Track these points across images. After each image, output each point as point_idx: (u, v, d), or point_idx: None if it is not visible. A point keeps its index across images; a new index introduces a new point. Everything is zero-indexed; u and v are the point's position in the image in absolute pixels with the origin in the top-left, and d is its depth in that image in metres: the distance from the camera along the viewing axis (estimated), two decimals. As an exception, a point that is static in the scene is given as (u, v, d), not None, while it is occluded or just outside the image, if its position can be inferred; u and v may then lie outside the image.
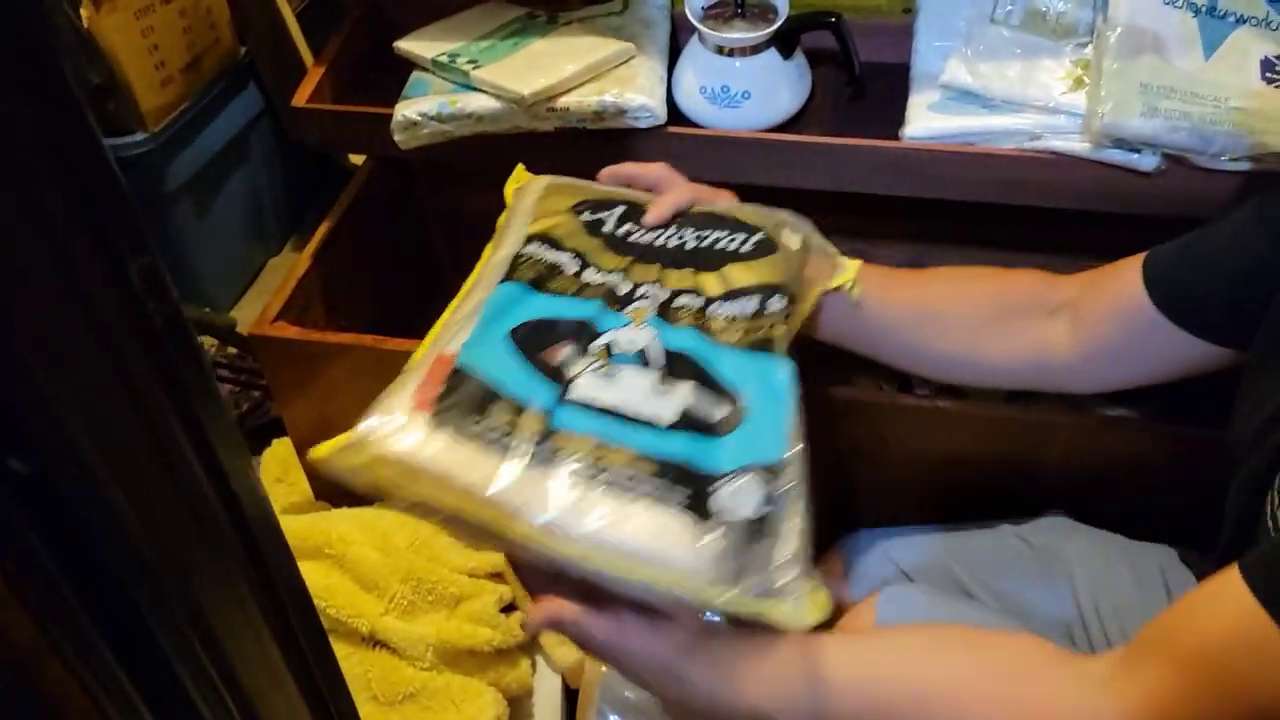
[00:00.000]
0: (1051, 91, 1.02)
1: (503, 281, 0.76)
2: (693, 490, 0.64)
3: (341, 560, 1.20)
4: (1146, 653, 0.60)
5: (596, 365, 0.70)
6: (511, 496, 0.63)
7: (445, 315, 0.77)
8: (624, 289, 0.77)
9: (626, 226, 0.83)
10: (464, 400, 0.68)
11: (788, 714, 0.62)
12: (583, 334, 0.73)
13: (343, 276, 1.37)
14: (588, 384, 0.69)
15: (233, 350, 1.60)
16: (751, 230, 0.83)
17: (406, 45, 1.20)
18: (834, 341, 0.89)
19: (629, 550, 0.61)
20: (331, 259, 1.33)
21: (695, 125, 1.15)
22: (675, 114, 1.15)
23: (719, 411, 0.69)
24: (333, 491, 1.36)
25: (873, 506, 1.21)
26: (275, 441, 1.48)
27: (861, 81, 1.17)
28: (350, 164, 1.84)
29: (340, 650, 1.18)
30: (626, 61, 1.14)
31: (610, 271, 0.79)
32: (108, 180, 0.41)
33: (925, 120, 1.07)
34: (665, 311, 0.76)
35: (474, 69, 1.12)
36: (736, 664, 0.63)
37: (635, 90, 1.09)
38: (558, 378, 0.70)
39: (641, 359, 0.71)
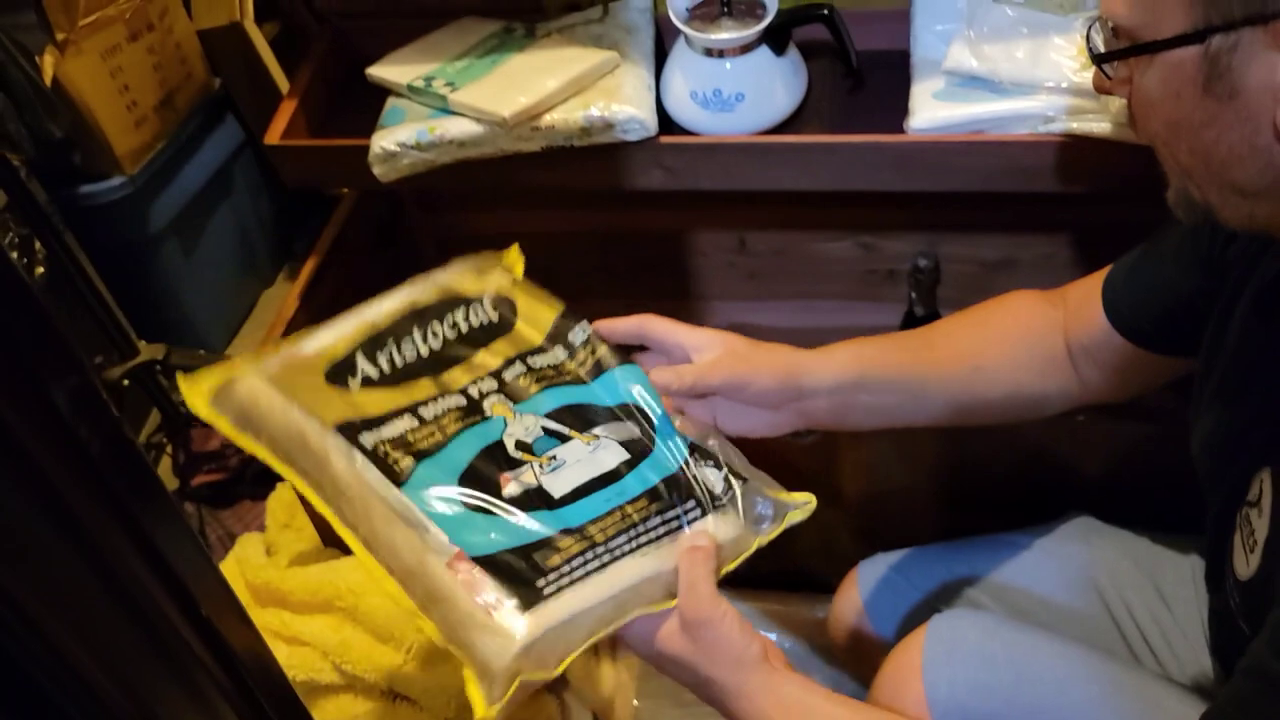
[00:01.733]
0: (1063, 70, 0.96)
1: (405, 484, 0.67)
2: (690, 495, 0.69)
3: (354, 613, 1.16)
4: None
5: (536, 467, 0.69)
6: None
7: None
8: (461, 402, 0.73)
9: (382, 361, 0.76)
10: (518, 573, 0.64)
11: None
12: (497, 455, 0.70)
13: (332, 313, 1.31)
14: (552, 482, 0.68)
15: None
16: (468, 301, 0.80)
17: (379, 71, 1.14)
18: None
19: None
20: (320, 296, 1.28)
21: (688, 133, 1.09)
22: (666, 122, 1.09)
23: (636, 429, 0.71)
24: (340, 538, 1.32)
25: (893, 522, 1.16)
26: (280, 485, 1.44)
27: (860, 73, 1.11)
28: (342, 192, 1.79)
29: (359, 707, 1.13)
30: (611, 71, 1.08)
31: (433, 399, 0.73)
32: (17, 297, 0.36)
33: (931, 110, 1.01)
34: (511, 393, 0.74)
35: (451, 92, 1.07)
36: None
37: (622, 101, 1.04)
38: (534, 501, 0.67)
39: (551, 436, 0.71)
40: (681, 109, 1.08)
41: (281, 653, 1.15)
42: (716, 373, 0.74)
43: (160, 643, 0.43)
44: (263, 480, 1.50)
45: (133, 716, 0.42)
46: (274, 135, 1.15)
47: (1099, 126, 0.95)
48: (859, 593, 0.98)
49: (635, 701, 1.19)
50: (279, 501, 1.44)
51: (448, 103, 1.07)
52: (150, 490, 0.40)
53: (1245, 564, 0.64)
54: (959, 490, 1.16)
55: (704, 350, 0.76)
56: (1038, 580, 0.93)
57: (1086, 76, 0.96)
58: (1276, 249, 0.66)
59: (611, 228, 1.45)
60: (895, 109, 1.06)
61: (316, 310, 1.28)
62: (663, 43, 1.17)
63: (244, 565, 1.27)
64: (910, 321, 1.36)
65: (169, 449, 1.52)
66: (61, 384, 0.37)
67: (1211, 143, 0.58)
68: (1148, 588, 0.89)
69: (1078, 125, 0.96)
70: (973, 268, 1.35)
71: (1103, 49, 0.62)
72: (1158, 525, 0.94)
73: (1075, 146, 0.97)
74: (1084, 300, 0.83)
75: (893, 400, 0.81)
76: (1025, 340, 0.85)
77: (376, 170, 1.08)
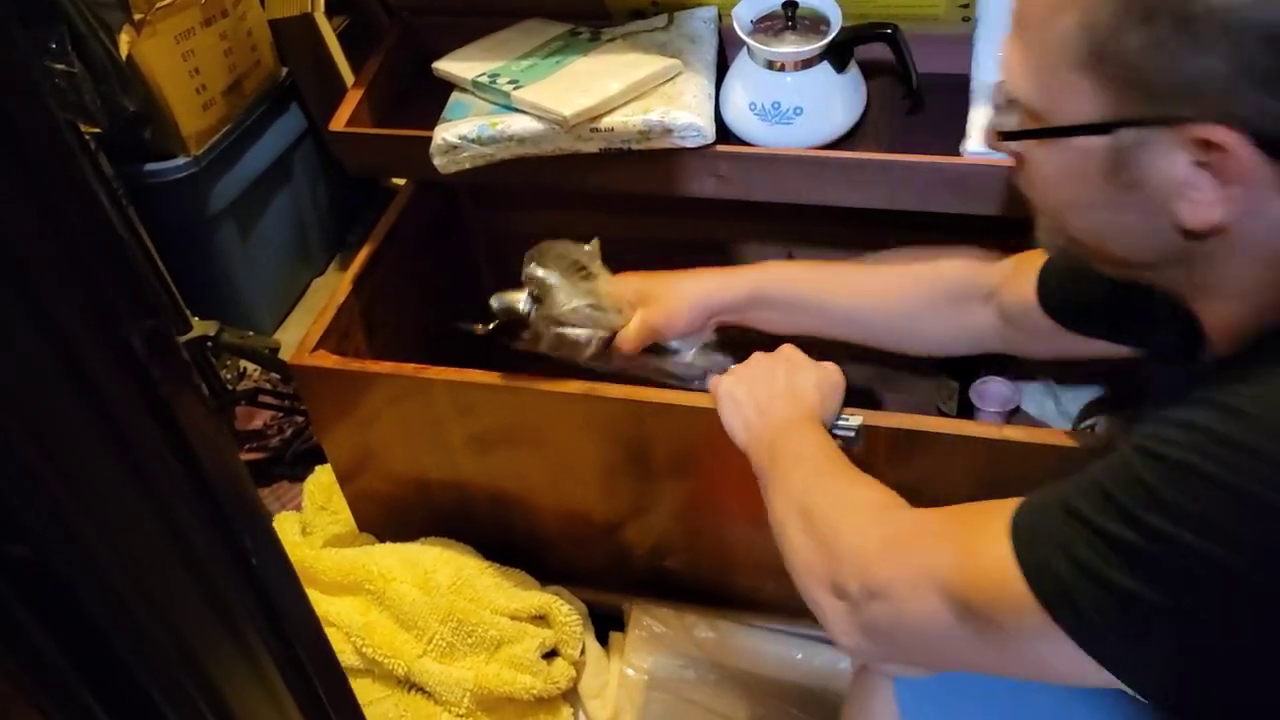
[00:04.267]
0: (1125, 102, 0.96)
1: None
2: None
3: (381, 597, 1.17)
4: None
5: None
6: None
7: None
8: None
9: None
10: None
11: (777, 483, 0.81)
12: None
13: (384, 302, 1.34)
14: None
15: (277, 375, 1.58)
16: None
17: (445, 66, 1.17)
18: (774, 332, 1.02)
19: None
20: (372, 285, 1.30)
21: (745, 143, 1.10)
22: (724, 132, 1.10)
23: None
24: (376, 522, 1.34)
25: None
26: (319, 468, 1.46)
27: (920, 94, 1.11)
28: (394, 183, 1.82)
29: (375, 692, 1.14)
30: (672, 79, 1.09)
31: None
32: (103, 238, 0.37)
33: (988, 135, 1.01)
34: None
35: (514, 89, 1.09)
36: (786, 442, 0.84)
37: (682, 108, 1.05)
38: None
39: None
40: (740, 119, 1.10)
41: (309, 629, 1.17)
42: (642, 335, 1.00)
43: (203, 580, 0.44)
44: (302, 461, 1.52)
45: (175, 653, 0.43)
46: (339, 122, 1.17)
47: (1157, 159, 0.95)
48: (894, 696, 0.98)
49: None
50: (317, 484, 1.46)
51: (510, 99, 1.09)
52: (212, 434, 0.42)
53: None
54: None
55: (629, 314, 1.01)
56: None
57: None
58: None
59: (662, 235, 1.46)
60: (953, 132, 1.06)
61: (369, 296, 1.30)
62: (725, 53, 1.18)
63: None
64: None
65: (213, 425, 1.55)
66: (139, 325, 0.38)
67: (1105, 223, 0.59)
68: None
69: (1136, 157, 0.96)
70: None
71: (1004, 119, 0.62)
72: None
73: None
74: (1022, 270, 0.90)
75: (792, 319, 1.00)
76: (931, 291, 0.97)
77: (437, 162, 1.10)
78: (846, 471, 0.78)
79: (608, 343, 1.00)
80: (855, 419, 1.04)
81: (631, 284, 1.01)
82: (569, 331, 0.99)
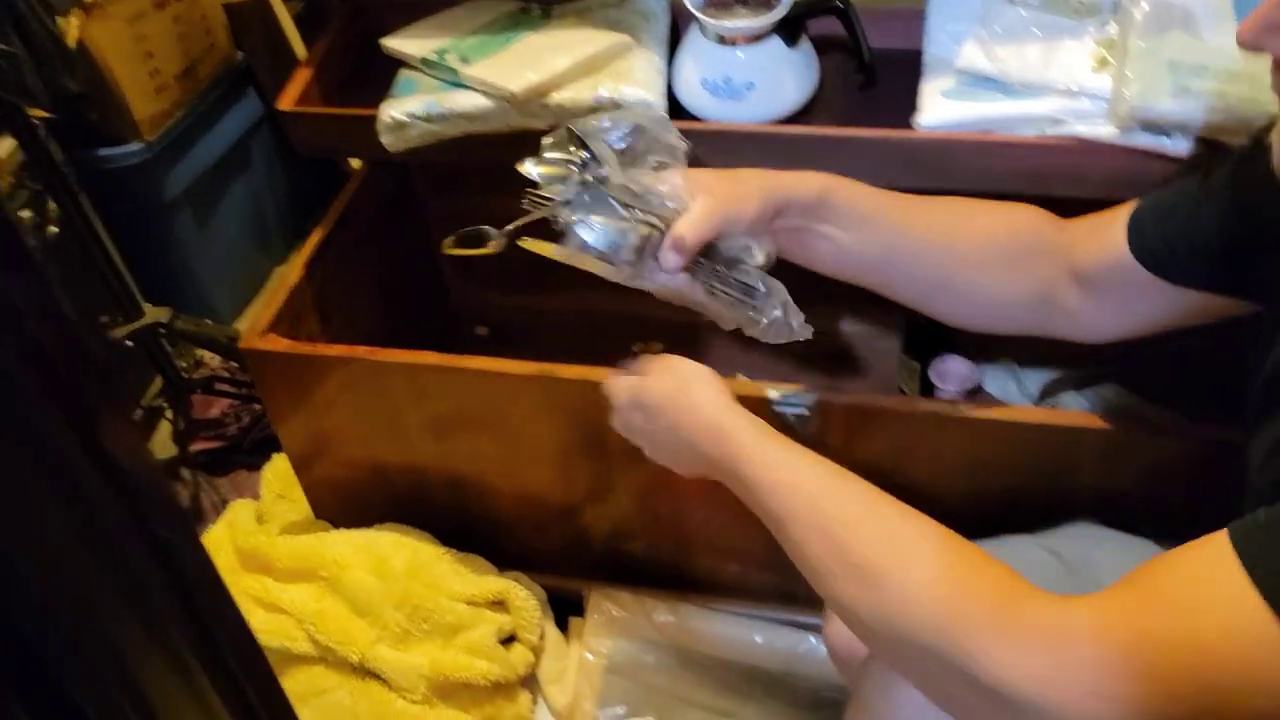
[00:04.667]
0: (1074, 74, 0.96)
1: None
2: None
3: (336, 584, 1.16)
4: (1128, 588, 0.59)
5: None
6: None
7: None
8: None
9: None
10: None
11: (785, 506, 0.72)
12: None
13: (338, 285, 1.32)
14: None
15: (235, 364, 1.56)
16: None
17: (394, 43, 1.15)
18: (837, 275, 0.90)
19: None
20: (325, 268, 1.29)
21: (697, 119, 1.09)
22: (677, 108, 1.09)
23: None
24: (333, 510, 1.32)
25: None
26: (276, 456, 1.44)
27: (872, 69, 1.11)
28: (354, 167, 1.80)
29: (328, 680, 1.13)
30: (623, 54, 1.08)
31: None
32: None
33: (940, 108, 1.00)
34: None
35: (463, 66, 1.07)
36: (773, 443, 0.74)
37: (633, 84, 1.04)
38: None
39: None
40: (692, 95, 1.08)
41: (259, 618, 1.16)
42: (711, 221, 0.78)
43: (112, 556, 0.42)
44: (260, 450, 1.50)
45: (98, 655, 0.42)
46: (287, 101, 1.15)
47: (1105, 130, 0.94)
48: None
49: (598, 713, 1.18)
50: (275, 472, 1.45)
51: (459, 76, 1.07)
52: (124, 431, 0.40)
53: None
54: (962, 498, 1.15)
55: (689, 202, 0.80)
56: (1043, 580, 0.92)
57: (1097, 80, 0.96)
58: None
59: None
60: (906, 107, 1.05)
61: (322, 280, 1.29)
62: (678, 29, 1.17)
63: (234, 530, 1.27)
64: (917, 332, 1.36)
65: (169, 413, 1.53)
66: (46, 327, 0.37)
67: None
68: None
69: (1085, 129, 0.95)
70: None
71: None
72: (1160, 531, 0.93)
73: (1081, 151, 0.97)
74: (1102, 225, 0.81)
75: (854, 238, 0.84)
76: (1008, 242, 0.84)
77: (384, 140, 1.09)
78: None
79: (658, 244, 0.78)
80: (808, 396, 1.03)
81: (685, 176, 0.84)
82: (612, 225, 0.76)
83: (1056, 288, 0.84)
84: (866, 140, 1.03)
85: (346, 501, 1.29)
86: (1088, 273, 0.82)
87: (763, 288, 0.82)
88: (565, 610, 1.28)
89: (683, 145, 0.84)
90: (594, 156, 0.78)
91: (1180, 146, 0.93)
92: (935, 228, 0.85)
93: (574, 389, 1.10)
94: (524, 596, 1.20)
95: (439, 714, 1.13)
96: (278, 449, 1.41)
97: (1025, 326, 0.87)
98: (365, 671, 1.14)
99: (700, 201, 0.78)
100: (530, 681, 1.22)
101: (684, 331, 1.54)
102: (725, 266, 0.81)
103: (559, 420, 1.14)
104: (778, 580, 1.23)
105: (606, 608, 1.25)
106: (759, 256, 0.82)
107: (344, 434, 1.23)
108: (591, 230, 0.76)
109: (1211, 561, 0.55)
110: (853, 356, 1.50)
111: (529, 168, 0.81)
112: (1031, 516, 0.99)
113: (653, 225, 0.76)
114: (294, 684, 1.16)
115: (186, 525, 0.49)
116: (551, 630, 1.24)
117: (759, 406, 1.04)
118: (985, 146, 0.99)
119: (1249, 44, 0.56)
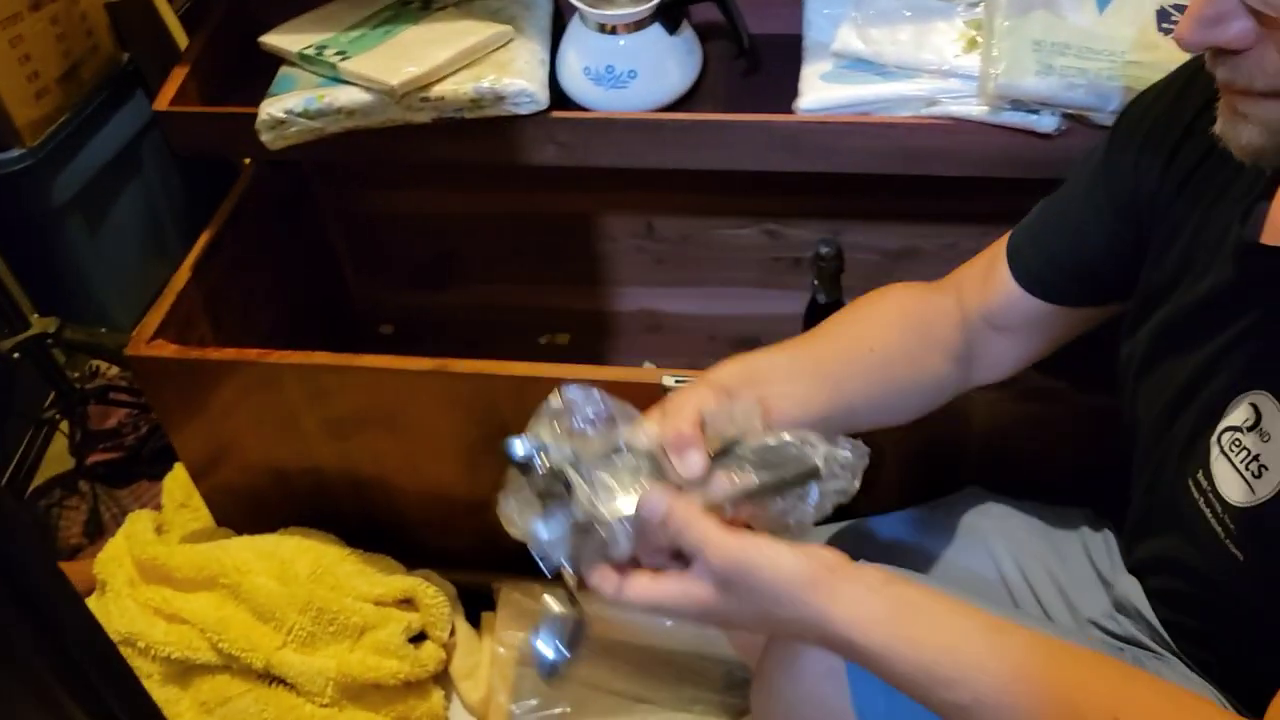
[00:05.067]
0: (945, 54, 0.98)
1: None
2: None
3: (237, 590, 1.14)
4: None
5: None
6: None
7: None
8: None
9: None
10: None
11: (968, 684, 0.58)
12: None
13: (231, 288, 1.30)
14: None
15: (130, 372, 1.52)
16: None
17: (272, 39, 1.13)
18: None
19: None
20: (216, 270, 1.26)
21: (581, 109, 1.09)
22: (562, 99, 1.09)
23: None
24: (234, 517, 1.30)
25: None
26: (178, 465, 1.41)
27: (754, 54, 1.11)
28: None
29: (234, 688, 1.11)
30: (504, 45, 1.07)
31: None
32: None
33: (818, 91, 1.02)
34: None
35: (342, 60, 1.06)
36: (911, 611, 0.61)
37: (514, 74, 1.03)
38: None
39: None
40: (575, 85, 1.08)
41: (159, 630, 1.13)
42: (683, 416, 0.68)
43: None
44: (160, 459, 1.47)
45: None
46: (163, 101, 1.13)
47: (976, 109, 0.96)
48: None
49: (512, 706, 1.18)
50: (176, 481, 1.42)
51: (338, 71, 1.06)
52: None
53: (1246, 490, 0.63)
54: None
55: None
56: (936, 548, 0.94)
57: (966, 60, 0.98)
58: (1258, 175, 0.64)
59: (521, 210, 1.44)
60: (788, 92, 1.06)
61: (212, 282, 1.26)
62: (562, 19, 1.16)
63: (132, 541, 1.24)
64: (814, 308, 1.37)
65: (64, 425, 1.49)
66: None
67: None
68: (1042, 545, 0.91)
69: (957, 108, 0.97)
70: (875, 256, 1.36)
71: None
72: (1047, 495, 0.96)
73: (954, 130, 0.99)
74: (985, 272, 0.83)
75: (803, 389, 0.77)
76: (914, 323, 0.85)
77: (264, 138, 1.07)
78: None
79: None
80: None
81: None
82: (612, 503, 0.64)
83: (973, 345, 0.85)
84: (749, 125, 1.03)
85: (248, 508, 1.27)
86: (997, 318, 0.83)
87: (830, 475, 0.68)
88: (477, 605, 1.28)
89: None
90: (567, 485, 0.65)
91: (1048, 123, 0.95)
92: (855, 342, 0.82)
93: (472, 383, 1.09)
94: (432, 594, 1.19)
95: (349, 716, 1.12)
96: (177, 458, 1.38)
97: (959, 389, 0.87)
98: (271, 677, 1.12)
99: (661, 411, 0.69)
100: (443, 678, 1.21)
101: (591, 321, 1.54)
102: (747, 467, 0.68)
103: (459, 415, 1.13)
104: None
105: (517, 600, 1.24)
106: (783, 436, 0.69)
107: (241, 439, 1.21)
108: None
109: None
110: (759, 341, 1.51)
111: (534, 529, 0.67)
112: (923, 483, 1.01)
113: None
114: (199, 694, 1.13)
115: (30, 539, 0.48)
116: (463, 626, 1.23)
117: (654, 393, 1.04)
118: (863, 128, 1.00)
119: (1191, 45, 0.56)
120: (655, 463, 0.66)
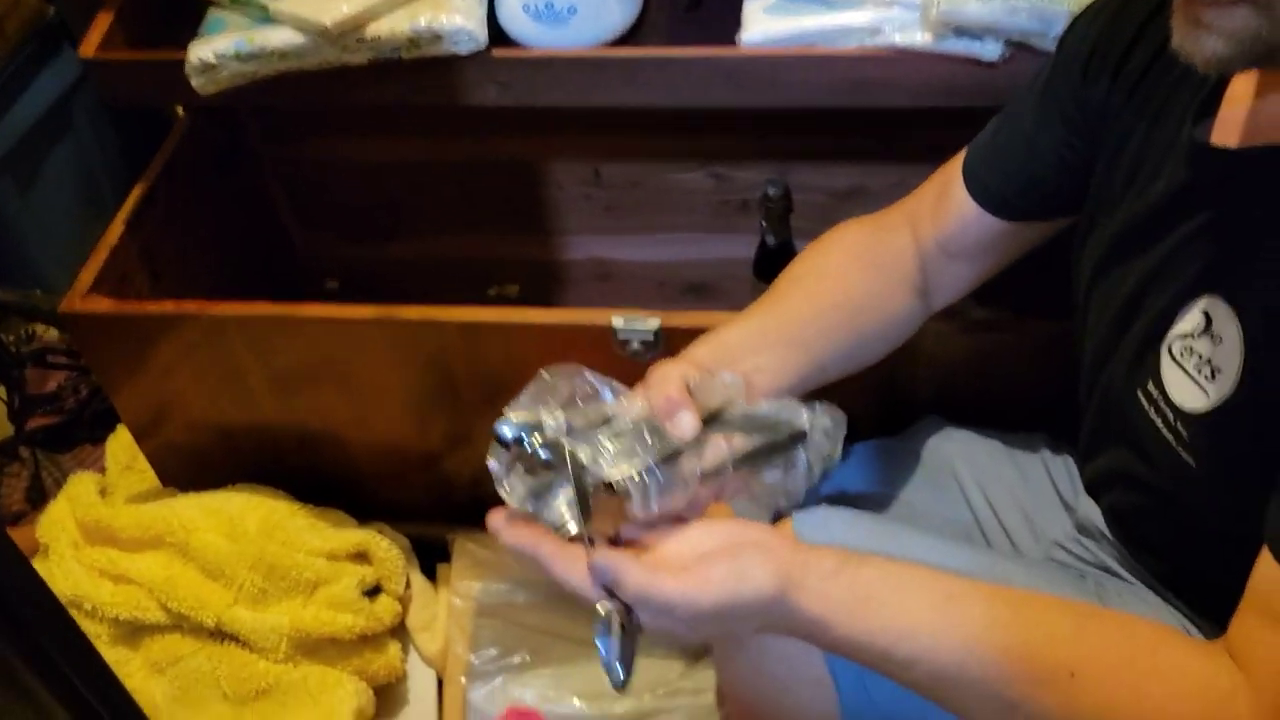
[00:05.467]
0: (889, -17, 0.97)
1: None
2: None
3: (184, 549, 1.12)
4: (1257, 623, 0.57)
5: None
6: None
7: None
8: None
9: None
10: None
11: (927, 664, 0.59)
12: None
13: (168, 242, 1.26)
14: None
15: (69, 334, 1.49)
16: None
17: (200, -20, 1.09)
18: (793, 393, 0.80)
19: None
20: (151, 224, 1.23)
21: (520, 46, 1.06)
22: (499, 35, 1.07)
23: None
24: (180, 477, 1.27)
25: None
26: (120, 426, 1.39)
27: (697, -11, 1.10)
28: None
29: (185, 646, 1.10)
30: (441, -18, 1.05)
31: None
32: None
33: (762, 24, 1.00)
34: None
35: (273, 1, 1.02)
36: (864, 603, 0.60)
37: (451, 12, 1.01)
38: None
39: None
40: (514, 22, 1.06)
41: (105, 591, 1.11)
42: (669, 380, 0.68)
43: None
44: (102, 422, 1.44)
45: None
46: (89, 48, 1.09)
47: (920, 39, 0.95)
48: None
49: (471, 657, 1.18)
50: (119, 443, 1.39)
51: (269, 12, 1.03)
52: None
53: (1200, 395, 0.63)
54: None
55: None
56: (900, 478, 0.95)
57: (909, -12, 0.97)
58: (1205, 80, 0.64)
59: (466, 158, 1.42)
60: (732, 26, 1.05)
61: (147, 235, 1.23)
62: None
63: (74, 503, 1.22)
64: (764, 251, 1.37)
65: (0, 392, 1.45)
66: None
67: None
68: (1006, 469, 0.93)
69: (901, 38, 0.96)
70: (822, 197, 1.35)
71: None
72: (1003, 422, 0.98)
73: (899, 60, 0.98)
74: (937, 199, 0.83)
75: (776, 359, 0.78)
76: (872, 267, 0.85)
77: (195, 83, 1.04)
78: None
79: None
80: (652, 322, 1.02)
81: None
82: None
83: (930, 274, 0.85)
84: (692, 60, 1.02)
85: (193, 467, 1.25)
86: (952, 244, 0.83)
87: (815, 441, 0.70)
88: (432, 558, 1.27)
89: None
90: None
91: (991, 50, 0.94)
92: (817, 296, 0.83)
93: (419, 331, 1.07)
94: (386, 546, 1.18)
95: (304, 671, 1.11)
96: (120, 420, 1.35)
97: (921, 321, 0.87)
98: (224, 635, 1.11)
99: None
100: (400, 631, 1.21)
101: (540, 271, 1.53)
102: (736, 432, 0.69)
103: (407, 366, 1.11)
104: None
105: (471, 550, 1.24)
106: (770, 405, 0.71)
107: (184, 397, 1.19)
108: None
109: None
110: (710, 286, 1.50)
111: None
112: (882, 421, 1.02)
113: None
114: (150, 653, 1.12)
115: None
116: (418, 578, 1.22)
117: (604, 335, 1.03)
118: (807, 61, 0.99)
119: None
120: (652, 426, 0.64)
